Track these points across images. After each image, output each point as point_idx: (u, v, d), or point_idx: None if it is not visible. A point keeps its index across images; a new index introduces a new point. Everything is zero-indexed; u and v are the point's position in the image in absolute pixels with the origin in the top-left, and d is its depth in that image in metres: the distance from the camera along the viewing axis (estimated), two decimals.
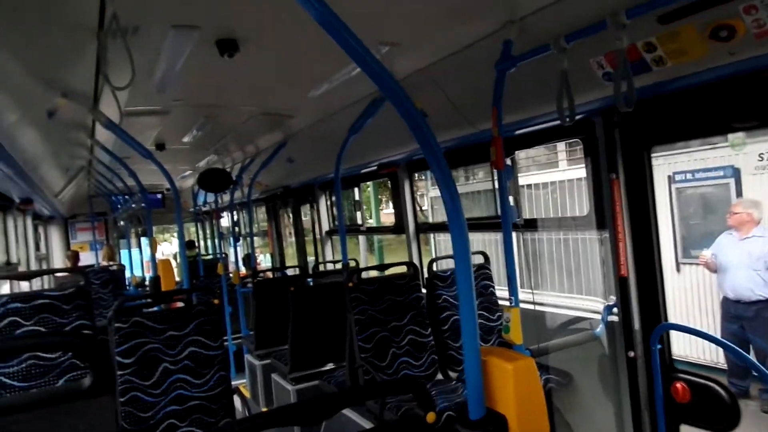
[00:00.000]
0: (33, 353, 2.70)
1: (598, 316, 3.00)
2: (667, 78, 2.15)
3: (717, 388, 2.38)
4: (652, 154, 2.58)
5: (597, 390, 3.00)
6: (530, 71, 2.35)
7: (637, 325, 2.66)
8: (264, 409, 3.03)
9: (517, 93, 2.49)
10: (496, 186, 2.48)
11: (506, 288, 2.48)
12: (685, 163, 5.87)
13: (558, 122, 3.06)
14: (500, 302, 3.73)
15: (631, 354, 2.68)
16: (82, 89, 3.06)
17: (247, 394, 3.03)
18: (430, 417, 1.09)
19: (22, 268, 6.49)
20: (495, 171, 2.36)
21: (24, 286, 5.97)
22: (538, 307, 3.25)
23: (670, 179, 5.85)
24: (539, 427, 1.47)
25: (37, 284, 6.77)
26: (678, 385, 2.47)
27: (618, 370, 2.78)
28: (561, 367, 3.19)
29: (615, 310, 2.78)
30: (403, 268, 3.79)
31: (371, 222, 13.03)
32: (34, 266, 7.52)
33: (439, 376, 3.58)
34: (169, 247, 20.47)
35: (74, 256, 10.01)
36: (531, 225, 3.44)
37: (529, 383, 1.42)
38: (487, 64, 2.44)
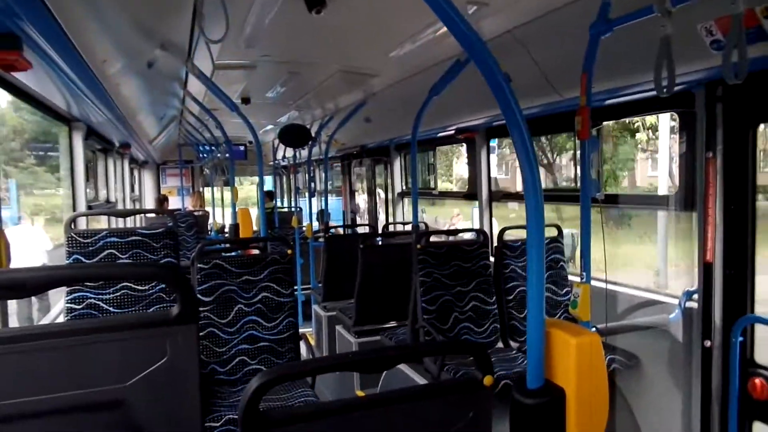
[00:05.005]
0: (127, 283, 2.98)
1: (674, 301, 2.86)
2: None
3: None
4: (758, 132, 2.37)
5: (665, 376, 2.89)
6: (625, 36, 2.19)
7: (717, 314, 2.51)
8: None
9: (609, 60, 2.34)
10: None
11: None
12: None
13: (653, 93, 2.88)
14: (570, 278, 3.63)
15: (707, 344, 2.54)
16: (178, 42, 3.22)
17: (312, 342, 3.21)
18: (488, 380, 1.10)
19: (119, 207, 7.07)
20: (579, 142, 2.26)
21: (119, 223, 6.54)
22: (611, 287, 3.13)
23: None
24: (599, 406, 1.45)
25: (129, 223, 7.40)
26: (756, 380, 2.33)
27: (691, 358, 2.65)
28: (629, 349, 3.09)
29: (695, 296, 2.64)
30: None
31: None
32: (129, 206, 8.16)
33: (500, 345, 3.58)
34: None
35: (163, 200, 10.80)
36: (612, 201, 3.27)
37: (592, 360, 1.40)
38: (580, 27, 2.30)
